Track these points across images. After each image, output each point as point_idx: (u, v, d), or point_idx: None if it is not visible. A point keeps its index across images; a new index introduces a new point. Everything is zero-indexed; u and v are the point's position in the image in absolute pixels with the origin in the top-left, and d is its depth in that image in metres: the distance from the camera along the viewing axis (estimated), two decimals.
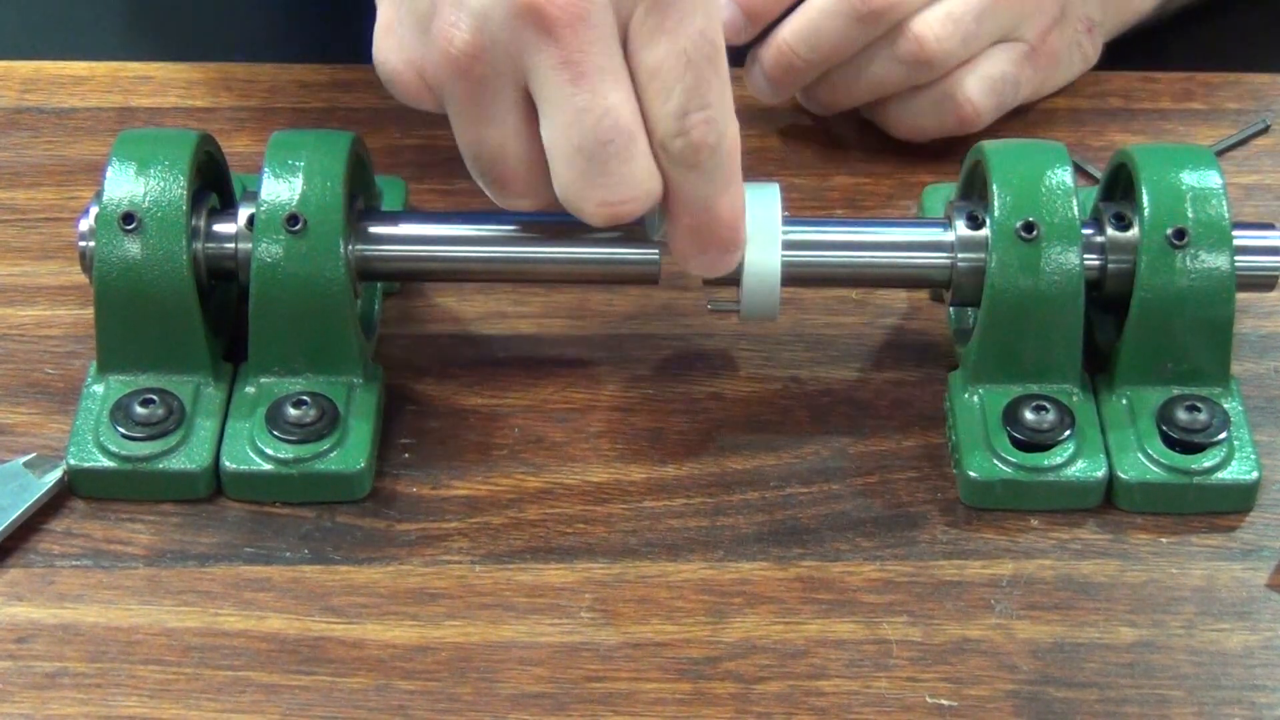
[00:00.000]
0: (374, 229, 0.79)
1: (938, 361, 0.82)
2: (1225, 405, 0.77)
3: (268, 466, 0.75)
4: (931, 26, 0.86)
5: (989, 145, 0.80)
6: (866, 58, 0.88)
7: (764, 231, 0.77)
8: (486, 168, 0.74)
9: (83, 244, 0.77)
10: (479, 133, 0.73)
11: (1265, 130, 0.93)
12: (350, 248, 0.77)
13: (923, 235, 0.80)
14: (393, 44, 0.74)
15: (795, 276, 0.79)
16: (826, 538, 0.75)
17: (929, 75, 0.88)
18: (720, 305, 0.78)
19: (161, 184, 0.76)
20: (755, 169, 0.82)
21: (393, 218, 0.81)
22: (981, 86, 0.89)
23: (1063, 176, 0.78)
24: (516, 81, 0.72)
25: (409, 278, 0.83)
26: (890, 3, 0.86)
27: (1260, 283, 0.79)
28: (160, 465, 0.75)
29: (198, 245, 0.77)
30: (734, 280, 0.77)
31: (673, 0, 0.70)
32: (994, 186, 0.77)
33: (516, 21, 0.70)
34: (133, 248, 0.76)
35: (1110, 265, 0.78)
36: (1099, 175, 0.85)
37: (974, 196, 0.82)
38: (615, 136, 0.70)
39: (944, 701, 0.70)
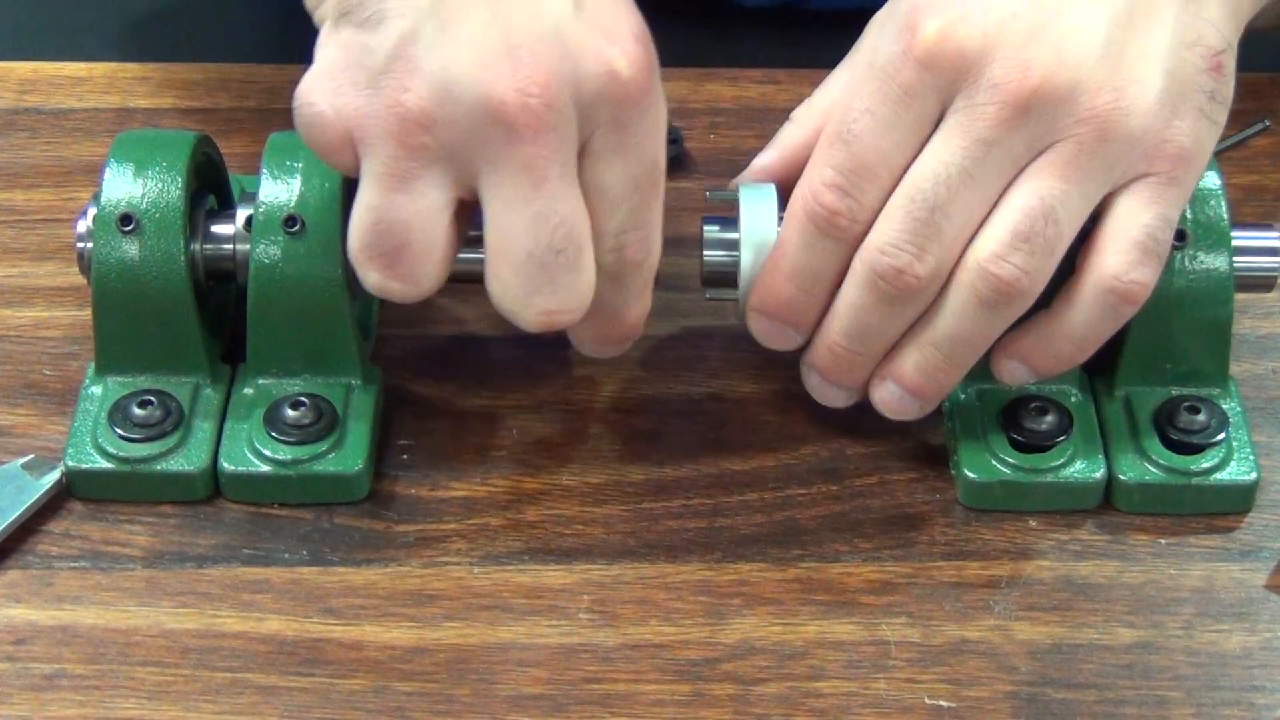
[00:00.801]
0: None
1: None
2: (1224, 406, 0.77)
3: (266, 468, 0.75)
4: (1002, 263, 0.72)
5: None
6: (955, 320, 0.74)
7: (760, 232, 0.77)
8: (380, 238, 0.71)
9: (81, 245, 0.77)
10: (390, 200, 0.71)
11: (1264, 130, 0.93)
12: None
13: None
14: (327, 89, 0.71)
15: None
16: (825, 539, 0.75)
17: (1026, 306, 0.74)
18: (719, 295, 0.78)
19: (159, 185, 0.76)
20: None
21: None
22: (1122, 260, 0.73)
23: None
24: (455, 166, 0.70)
25: None
26: (916, 282, 0.72)
27: (1259, 283, 0.79)
28: (158, 467, 0.75)
29: (196, 246, 0.77)
30: (726, 280, 0.77)
31: (631, 124, 0.70)
32: None
33: (482, 115, 0.69)
34: (131, 249, 0.76)
35: None
36: None
37: None
38: (568, 246, 0.71)
39: (942, 703, 0.70)
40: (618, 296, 0.74)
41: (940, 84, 0.71)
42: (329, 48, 0.72)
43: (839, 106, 0.74)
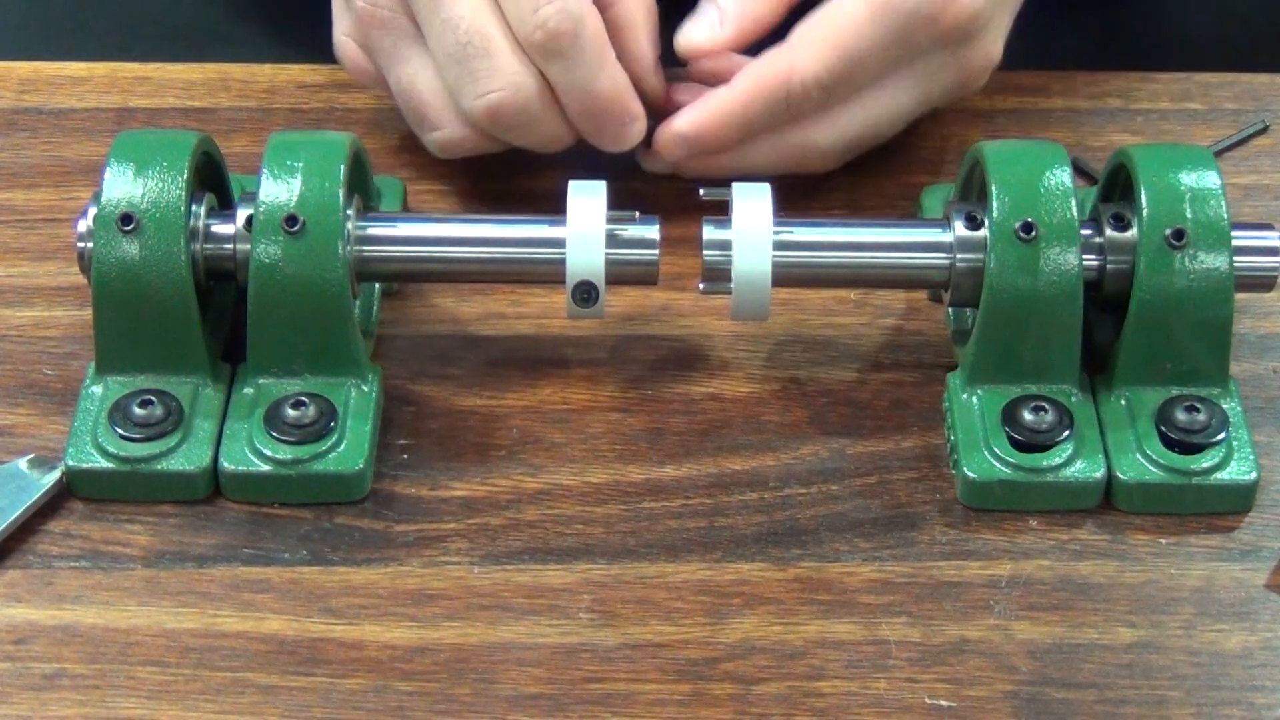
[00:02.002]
0: (372, 230, 0.79)
1: (936, 362, 0.82)
2: (1224, 406, 0.77)
3: (266, 467, 0.75)
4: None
5: (988, 145, 0.80)
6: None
7: (754, 232, 0.77)
8: (405, 104, 0.85)
9: (81, 245, 0.77)
10: (396, 73, 0.84)
11: (1264, 130, 0.93)
12: (349, 248, 0.77)
13: (921, 236, 0.80)
14: (338, 29, 0.86)
15: (793, 277, 0.79)
16: (825, 538, 0.75)
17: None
18: (713, 288, 0.79)
19: (160, 185, 0.76)
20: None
21: (391, 219, 0.81)
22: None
23: (1061, 177, 0.78)
24: (412, 16, 0.82)
25: (407, 278, 0.83)
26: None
27: (1259, 283, 0.79)
28: (159, 466, 0.75)
29: (196, 246, 0.77)
30: (725, 278, 0.78)
31: None
32: (993, 187, 0.77)
33: None
34: (131, 248, 0.76)
35: (1109, 266, 0.78)
36: (1098, 175, 0.85)
37: (973, 197, 0.82)
38: (471, 38, 0.80)
39: (943, 702, 0.70)
40: (573, 73, 0.81)
41: None
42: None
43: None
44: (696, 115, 0.84)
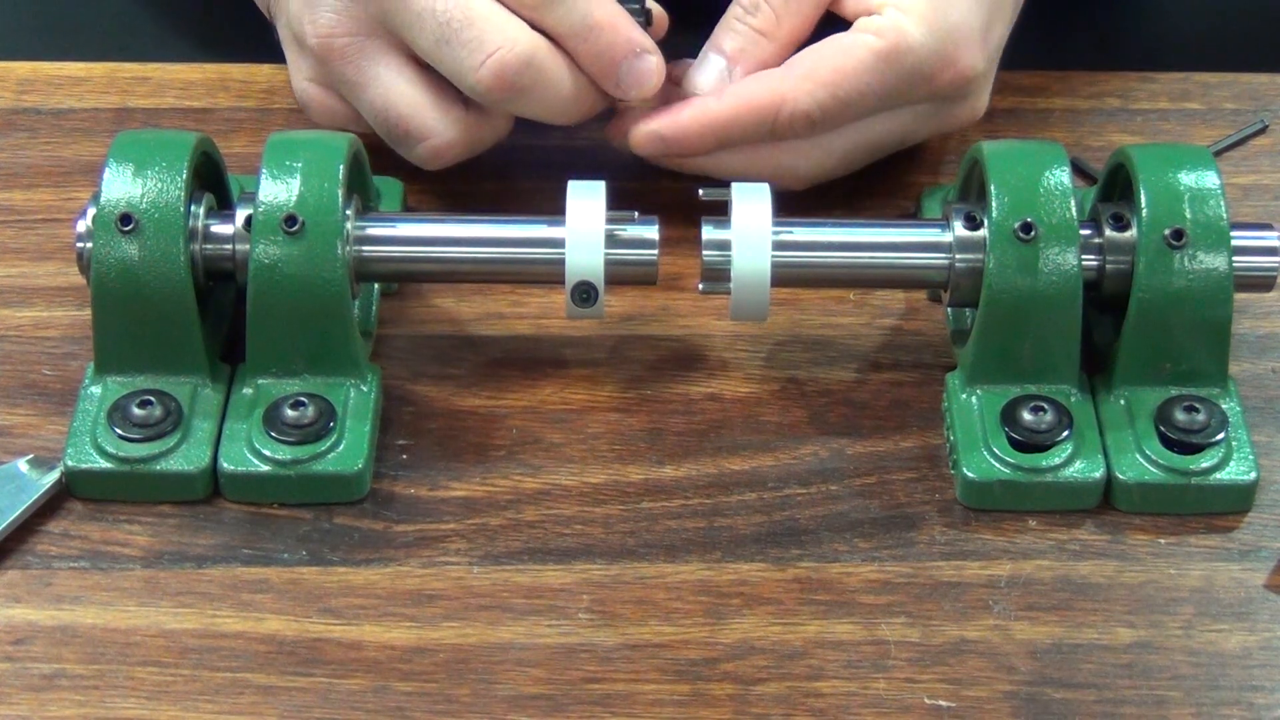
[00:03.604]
0: (371, 230, 0.79)
1: (936, 362, 0.82)
2: (1223, 406, 0.77)
3: (265, 468, 0.75)
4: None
5: (987, 145, 0.80)
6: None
7: (753, 232, 0.77)
8: (385, 125, 0.84)
9: (80, 245, 0.77)
10: (368, 98, 0.83)
11: (1263, 130, 0.93)
12: (348, 249, 0.77)
13: (921, 236, 0.80)
14: (297, 77, 0.86)
15: (793, 277, 0.79)
16: (824, 539, 0.75)
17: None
18: (712, 288, 0.79)
19: (159, 185, 0.76)
20: None
21: (390, 219, 0.81)
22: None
23: (1061, 177, 0.78)
24: (373, 34, 0.82)
25: (406, 278, 0.83)
26: None
27: (1258, 283, 0.79)
28: (158, 466, 0.75)
29: (195, 246, 0.77)
30: (724, 278, 0.78)
31: None
32: (992, 187, 0.77)
33: None
34: (130, 249, 0.76)
35: (1108, 266, 0.78)
36: (1097, 175, 0.85)
37: (972, 197, 0.82)
38: (451, 14, 0.80)
39: (942, 702, 0.70)
40: (569, 16, 0.81)
41: None
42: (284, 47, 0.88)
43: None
44: (678, 120, 0.83)
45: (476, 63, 0.80)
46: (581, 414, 0.80)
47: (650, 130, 0.84)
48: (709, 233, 0.78)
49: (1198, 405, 0.77)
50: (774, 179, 0.82)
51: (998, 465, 0.76)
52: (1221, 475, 0.76)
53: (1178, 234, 0.76)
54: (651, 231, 0.79)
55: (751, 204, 0.78)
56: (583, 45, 0.81)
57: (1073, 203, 0.77)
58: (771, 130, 0.83)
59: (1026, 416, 0.77)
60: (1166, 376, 0.78)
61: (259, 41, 0.91)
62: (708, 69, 0.84)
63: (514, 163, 0.88)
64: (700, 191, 0.80)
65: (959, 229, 0.78)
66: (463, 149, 0.84)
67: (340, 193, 0.77)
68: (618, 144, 0.86)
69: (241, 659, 0.71)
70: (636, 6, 0.83)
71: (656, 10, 0.85)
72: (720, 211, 0.79)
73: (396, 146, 0.85)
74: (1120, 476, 0.76)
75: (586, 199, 0.78)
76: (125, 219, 0.76)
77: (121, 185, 0.76)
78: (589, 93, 0.83)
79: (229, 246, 0.78)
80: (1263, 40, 1.02)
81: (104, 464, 0.75)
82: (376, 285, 0.83)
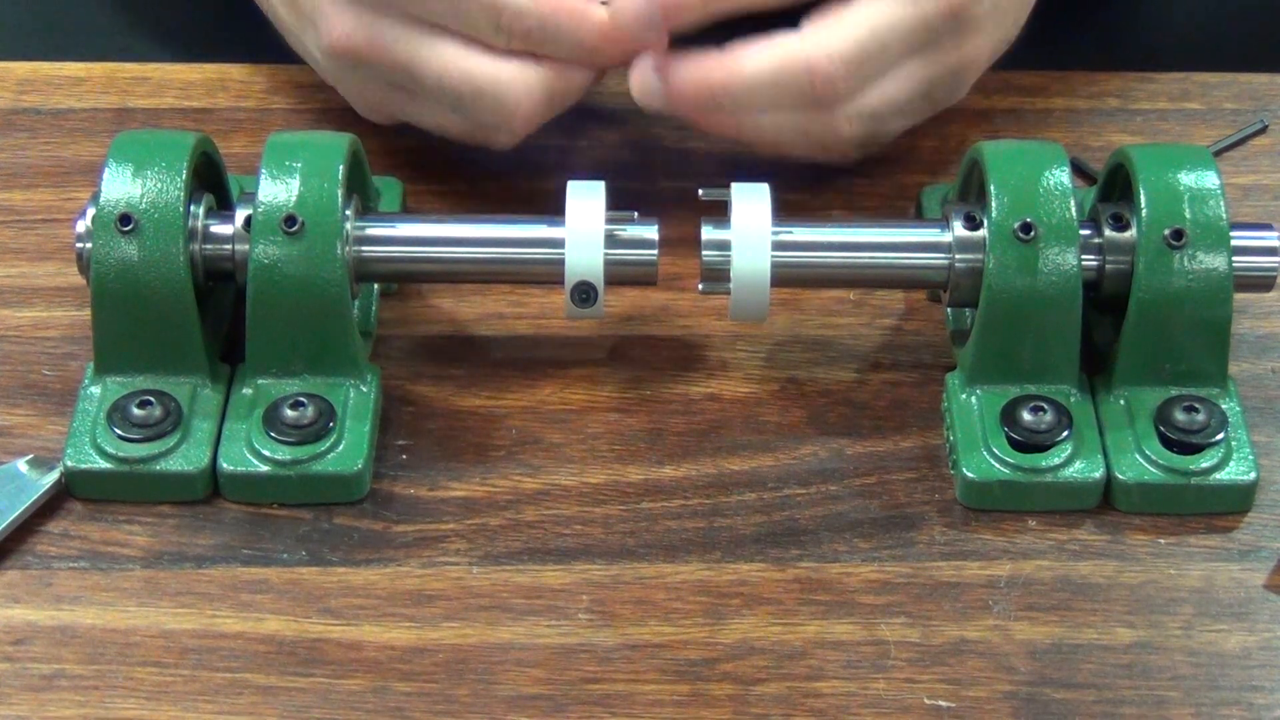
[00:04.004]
0: (371, 230, 0.79)
1: (935, 362, 0.82)
2: (1223, 406, 0.77)
3: (265, 468, 0.75)
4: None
5: (987, 145, 0.80)
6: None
7: (753, 232, 0.77)
8: (461, 97, 0.82)
9: (80, 245, 0.77)
10: (428, 67, 0.82)
11: (1263, 130, 0.93)
12: (347, 249, 0.77)
13: (920, 236, 0.80)
14: (350, 95, 0.87)
15: (792, 278, 0.79)
16: (824, 539, 0.75)
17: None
18: (712, 288, 0.79)
19: (159, 185, 0.76)
20: (751, 170, 0.82)
21: (390, 219, 0.81)
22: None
23: (1060, 177, 0.78)
24: (408, 24, 0.82)
25: (406, 279, 0.83)
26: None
27: (1258, 283, 0.79)
28: (157, 467, 0.75)
29: (195, 246, 0.77)
30: (724, 278, 0.78)
31: None
32: (991, 187, 0.77)
33: None
34: (130, 249, 0.76)
35: (1108, 266, 0.78)
36: (1097, 175, 0.85)
37: (972, 197, 0.82)
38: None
39: (942, 703, 0.70)
40: None
41: None
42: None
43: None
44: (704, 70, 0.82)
45: (500, 20, 0.80)
46: (581, 414, 0.80)
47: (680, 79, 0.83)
48: (709, 233, 0.78)
49: (1197, 405, 0.77)
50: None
51: (997, 465, 0.76)
52: (1221, 475, 0.76)
53: (1177, 234, 0.76)
54: (651, 232, 0.79)
55: (751, 204, 0.78)
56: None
57: (1072, 203, 0.77)
58: (811, 87, 0.82)
59: (1026, 416, 0.77)
60: (1166, 376, 0.78)
61: (259, 42, 0.91)
62: None
63: (514, 163, 0.88)
64: (700, 192, 0.80)
65: (959, 229, 0.78)
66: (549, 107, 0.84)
67: (340, 193, 0.77)
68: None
69: (241, 659, 0.71)
70: None
71: None
72: (720, 212, 0.79)
73: (474, 132, 0.84)
74: (1120, 476, 0.76)
75: (586, 199, 0.78)
76: (125, 219, 0.76)
77: (121, 185, 0.76)
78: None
79: (229, 247, 0.78)
80: (1263, 40, 1.02)
81: (104, 464, 0.75)
82: (376, 285, 0.83)
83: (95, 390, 0.77)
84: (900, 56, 0.83)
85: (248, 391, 0.77)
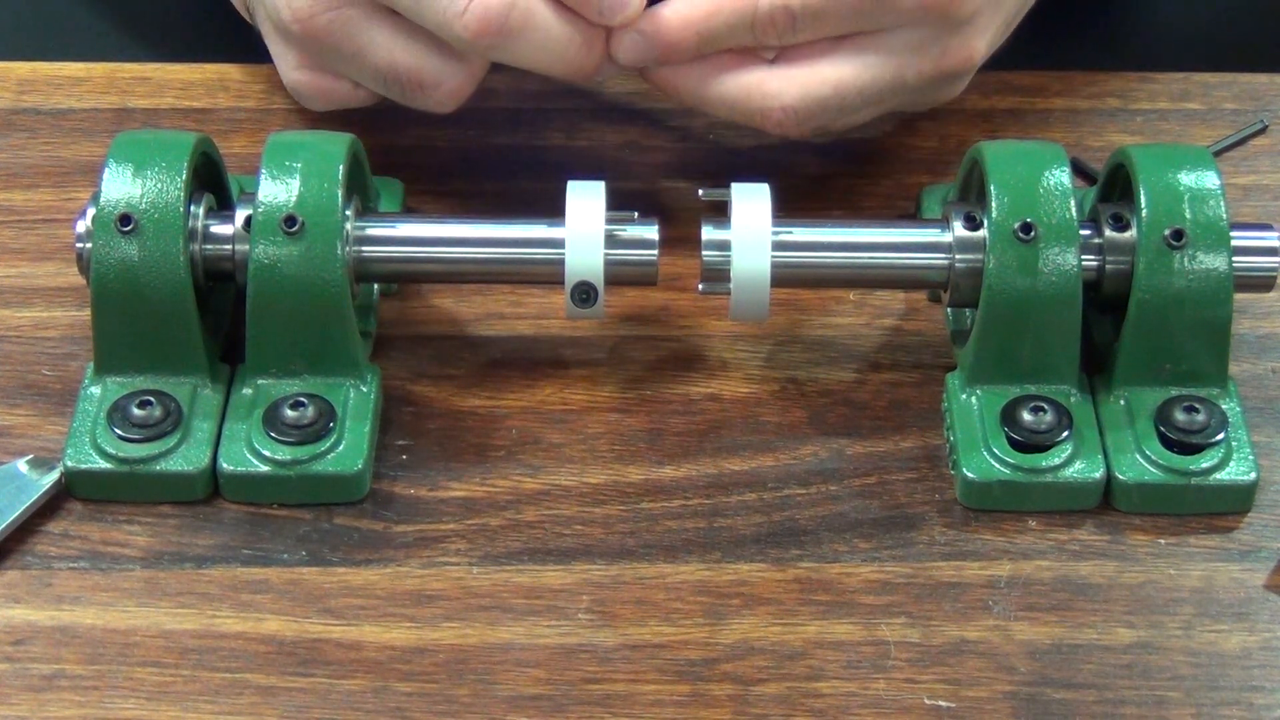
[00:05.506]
0: (371, 230, 0.79)
1: (935, 362, 0.82)
2: (1223, 406, 0.77)
3: (265, 468, 0.75)
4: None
5: (987, 145, 0.80)
6: None
7: (753, 232, 0.77)
8: (394, 84, 0.83)
9: (80, 245, 0.77)
10: (369, 63, 0.82)
11: (1263, 131, 0.93)
12: (347, 249, 0.77)
13: (920, 236, 0.80)
14: (285, 68, 0.86)
15: (792, 278, 0.79)
16: (824, 539, 0.75)
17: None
18: (712, 288, 0.79)
19: (159, 185, 0.76)
20: (751, 170, 0.82)
21: (390, 219, 0.81)
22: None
23: (1060, 177, 0.78)
24: (351, 4, 0.81)
25: (406, 279, 0.83)
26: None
27: (1258, 283, 0.79)
28: (157, 467, 0.75)
29: (195, 247, 0.77)
30: (724, 278, 0.78)
31: None
32: (992, 187, 0.77)
33: None
34: (130, 249, 0.76)
35: (1108, 266, 0.78)
36: (1097, 175, 0.85)
37: (972, 197, 0.82)
38: None
39: (942, 703, 0.70)
40: None
41: None
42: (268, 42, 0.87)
43: None
44: (656, 17, 0.81)
45: (460, 8, 0.78)
46: (581, 414, 0.80)
47: (632, 34, 0.81)
48: (709, 233, 0.78)
49: (1198, 405, 0.77)
50: (764, 112, 0.81)
51: (997, 465, 0.76)
52: (1221, 475, 0.76)
53: (1178, 234, 0.77)
54: (651, 232, 0.79)
55: (751, 204, 0.78)
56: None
57: (1072, 203, 0.77)
58: (752, 26, 0.81)
59: (1026, 417, 0.77)
60: (1166, 377, 0.78)
61: (258, 42, 0.91)
62: None
63: (514, 163, 0.88)
64: (700, 192, 0.80)
65: (959, 229, 0.78)
66: (475, 84, 0.83)
67: (340, 193, 0.77)
68: (609, 71, 0.83)
69: (241, 659, 0.71)
70: None
71: None
72: (720, 212, 0.79)
73: (411, 101, 0.84)
74: (1120, 477, 0.76)
75: (586, 199, 0.78)
76: (125, 219, 0.76)
77: (121, 185, 0.76)
78: (581, 37, 0.81)
79: (229, 247, 0.78)
80: (1263, 40, 1.02)
81: (104, 464, 0.75)
82: (376, 285, 0.83)
83: (95, 390, 0.77)
84: (858, 25, 0.82)
85: (248, 392, 0.77)
